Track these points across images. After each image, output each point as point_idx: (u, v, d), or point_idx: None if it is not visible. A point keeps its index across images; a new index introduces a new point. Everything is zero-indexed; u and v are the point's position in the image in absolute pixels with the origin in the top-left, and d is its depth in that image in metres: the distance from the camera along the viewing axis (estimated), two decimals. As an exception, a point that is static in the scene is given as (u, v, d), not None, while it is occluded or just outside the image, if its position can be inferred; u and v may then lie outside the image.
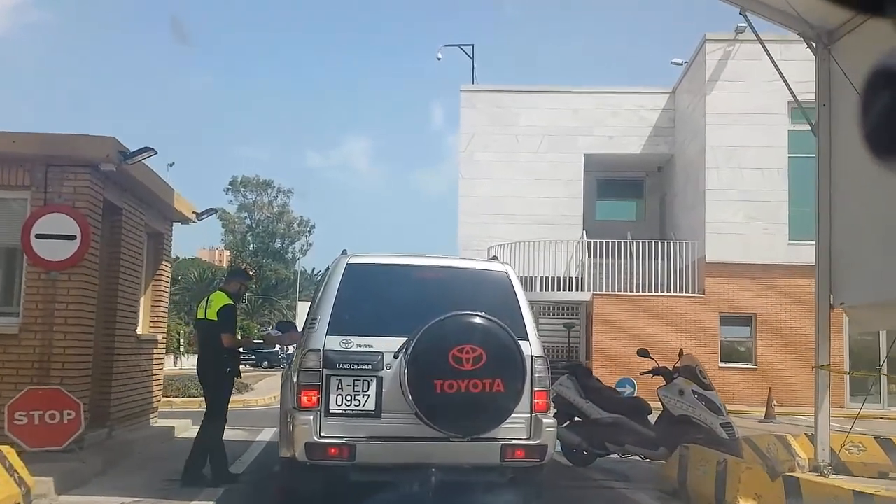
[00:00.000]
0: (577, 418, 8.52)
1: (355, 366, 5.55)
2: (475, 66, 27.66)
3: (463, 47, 26.54)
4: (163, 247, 10.68)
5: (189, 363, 38.67)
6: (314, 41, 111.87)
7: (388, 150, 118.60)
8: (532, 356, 5.73)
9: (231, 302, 7.35)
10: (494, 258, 6.78)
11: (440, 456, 5.55)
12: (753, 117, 19.69)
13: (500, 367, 5.47)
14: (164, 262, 10.73)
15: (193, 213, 10.79)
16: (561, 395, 8.38)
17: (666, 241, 20.78)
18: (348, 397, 5.58)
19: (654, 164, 24.29)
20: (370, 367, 5.57)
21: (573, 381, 8.53)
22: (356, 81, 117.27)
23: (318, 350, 5.57)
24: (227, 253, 77.96)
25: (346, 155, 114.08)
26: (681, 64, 22.40)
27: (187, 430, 11.11)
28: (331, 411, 5.55)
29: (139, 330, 10.06)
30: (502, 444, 5.62)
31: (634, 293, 20.02)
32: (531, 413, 5.77)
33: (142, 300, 10.37)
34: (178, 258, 75.55)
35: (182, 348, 39.92)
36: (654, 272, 20.10)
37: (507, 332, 5.55)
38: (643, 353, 8.34)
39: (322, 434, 5.51)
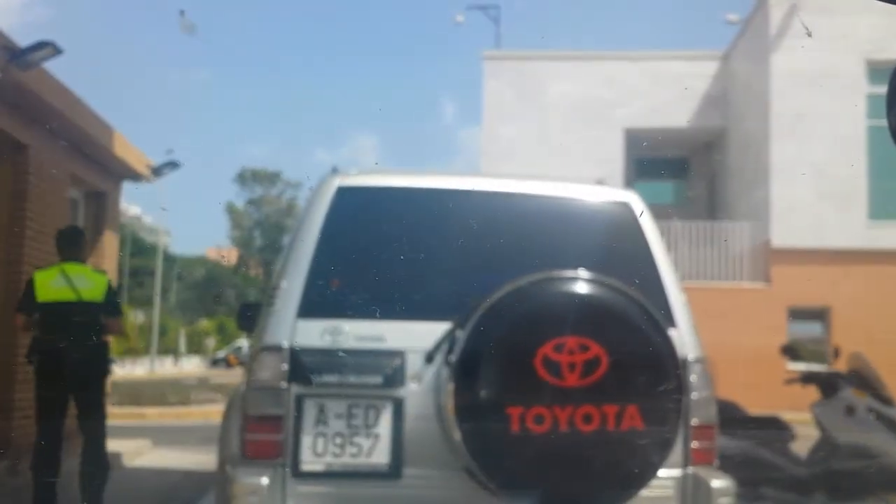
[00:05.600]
0: None
1: (352, 378, 2.98)
2: (500, 30, 24.90)
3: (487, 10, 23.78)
4: (106, 212, 7.88)
5: (191, 365, 36.28)
6: (317, 36, 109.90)
7: (397, 143, 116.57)
8: (686, 360, 3.12)
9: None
10: (601, 182, 3.77)
11: None
12: (826, 79, 17.10)
13: (634, 381, 2.88)
14: (108, 233, 7.99)
15: (148, 166, 8.09)
16: None
17: (720, 223, 18.33)
18: (339, 439, 2.97)
19: (700, 140, 21.79)
20: (381, 380, 2.99)
21: None
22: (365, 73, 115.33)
23: (279, 347, 3.00)
24: (235, 252, 76.38)
25: (354, 149, 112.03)
26: (736, 22, 19.75)
27: (143, 453, 8.50)
28: (303, 467, 2.96)
29: (69, 321, 7.37)
30: None
31: (685, 282, 17.54)
32: (685, 467, 3.16)
33: (78, 282, 7.75)
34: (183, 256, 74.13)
35: (182, 349, 37.95)
36: (707, 259, 17.69)
37: (645, 310, 2.92)
38: (790, 351, 5.72)
39: None
